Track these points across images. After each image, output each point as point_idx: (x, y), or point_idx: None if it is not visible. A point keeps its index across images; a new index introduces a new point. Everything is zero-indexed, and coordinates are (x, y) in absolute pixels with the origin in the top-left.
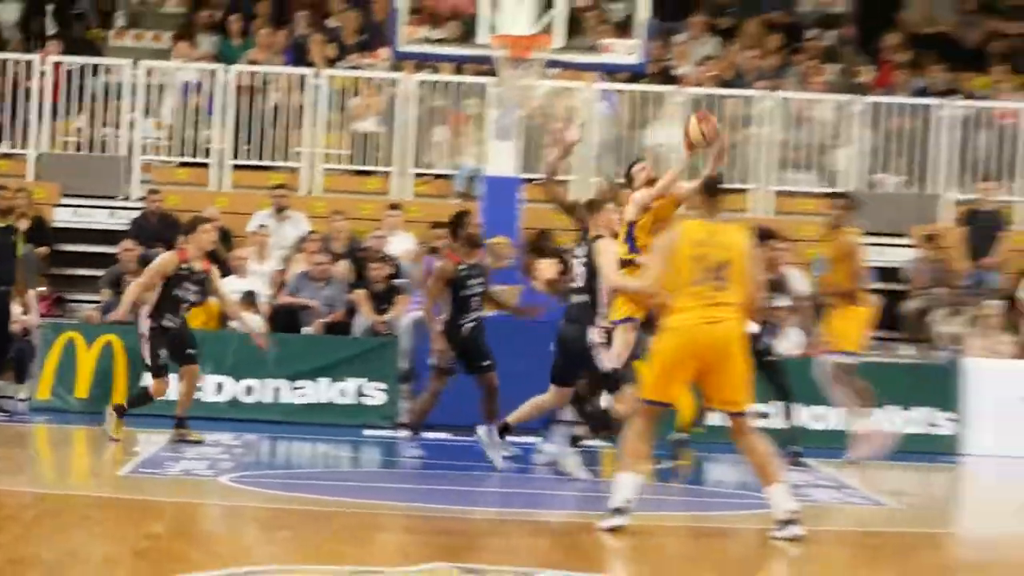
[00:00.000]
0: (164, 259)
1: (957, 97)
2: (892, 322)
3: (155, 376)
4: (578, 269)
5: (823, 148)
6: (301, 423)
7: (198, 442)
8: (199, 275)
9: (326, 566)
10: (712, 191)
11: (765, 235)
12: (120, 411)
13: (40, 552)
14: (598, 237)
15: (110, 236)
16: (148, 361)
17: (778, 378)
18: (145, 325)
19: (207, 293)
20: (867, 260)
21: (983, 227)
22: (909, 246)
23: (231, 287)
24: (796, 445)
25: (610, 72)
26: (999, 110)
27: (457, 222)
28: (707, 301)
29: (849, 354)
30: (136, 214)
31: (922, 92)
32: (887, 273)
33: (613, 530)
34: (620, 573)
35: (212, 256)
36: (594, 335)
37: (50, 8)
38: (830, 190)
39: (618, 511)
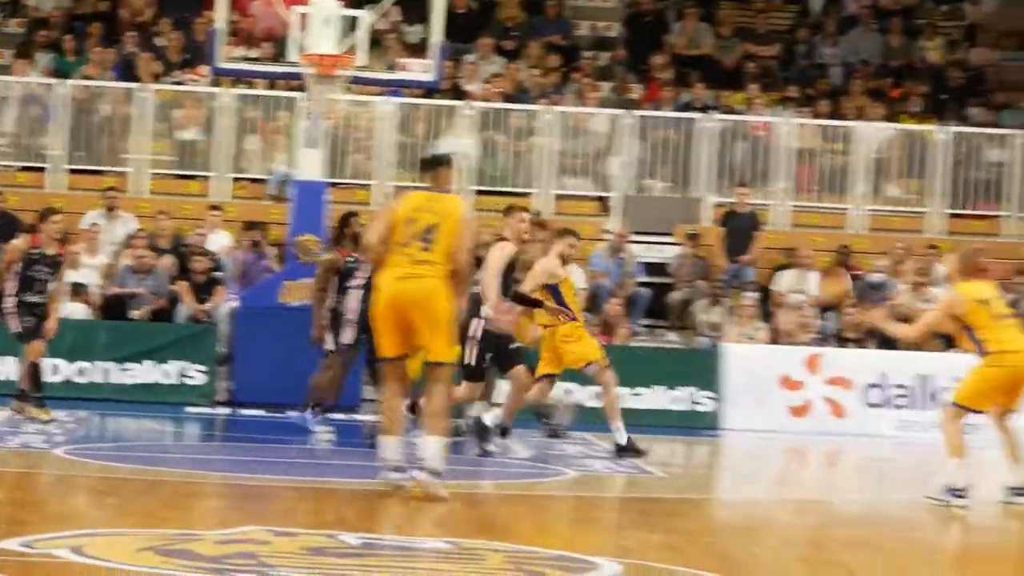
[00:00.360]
0: (16, 243)
1: (716, 112)
2: (659, 312)
3: (26, 343)
4: None
5: (597, 156)
6: (129, 401)
7: (46, 420)
8: (53, 258)
9: (151, 529)
10: (431, 165)
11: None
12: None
13: None
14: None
15: None
16: (15, 331)
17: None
18: (10, 302)
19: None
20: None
21: (740, 227)
22: (674, 244)
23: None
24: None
25: (406, 87)
26: (753, 123)
27: (343, 222)
28: (411, 259)
29: None
30: None
31: (685, 107)
32: (655, 268)
33: (396, 488)
34: (417, 533)
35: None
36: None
37: None
38: (603, 194)
39: (397, 469)
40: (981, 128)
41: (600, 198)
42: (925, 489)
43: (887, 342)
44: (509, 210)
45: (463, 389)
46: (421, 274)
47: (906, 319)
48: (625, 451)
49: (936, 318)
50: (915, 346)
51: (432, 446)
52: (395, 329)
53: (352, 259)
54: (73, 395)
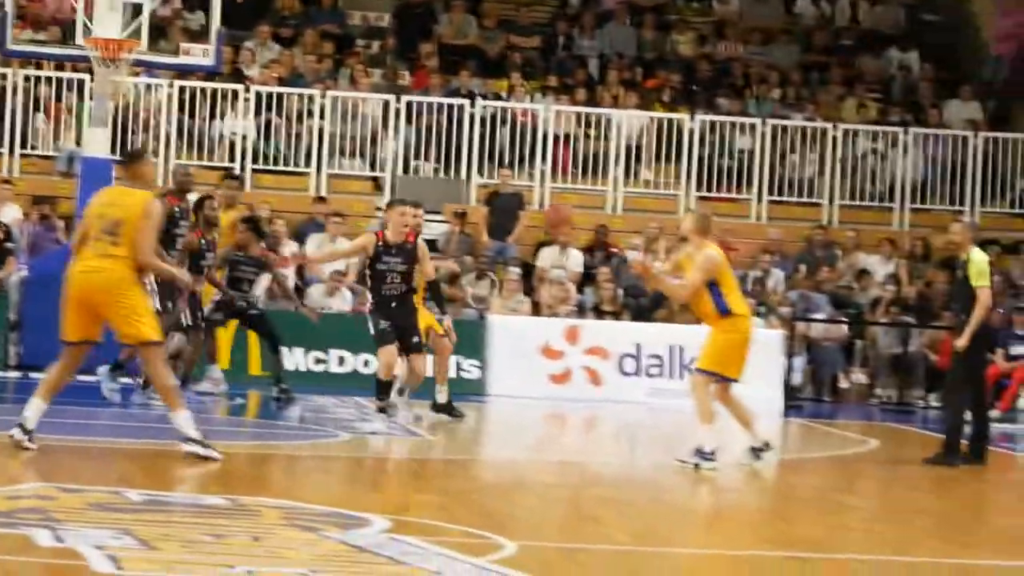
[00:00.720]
0: None
1: (482, 99)
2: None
3: None
4: None
5: (370, 139)
6: None
7: None
8: None
9: None
10: (127, 161)
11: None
12: None
13: None
14: None
15: None
16: None
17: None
18: None
19: None
20: None
21: (505, 207)
22: (443, 222)
23: None
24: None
25: (188, 71)
26: (516, 110)
27: (199, 205)
28: (98, 252)
29: None
30: None
31: (453, 93)
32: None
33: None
34: (197, 490)
35: None
36: None
37: None
38: (376, 174)
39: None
40: (728, 117)
41: (373, 178)
42: (675, 452)
43: (641, 314)
44: (390, 204)
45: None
46: (102, 267)
47: None
48: (443, 410)
49: (701, 277)
50: (668, 318)
51: (179, 419)
52: (83, 316)
53: (205, 241)
54: None
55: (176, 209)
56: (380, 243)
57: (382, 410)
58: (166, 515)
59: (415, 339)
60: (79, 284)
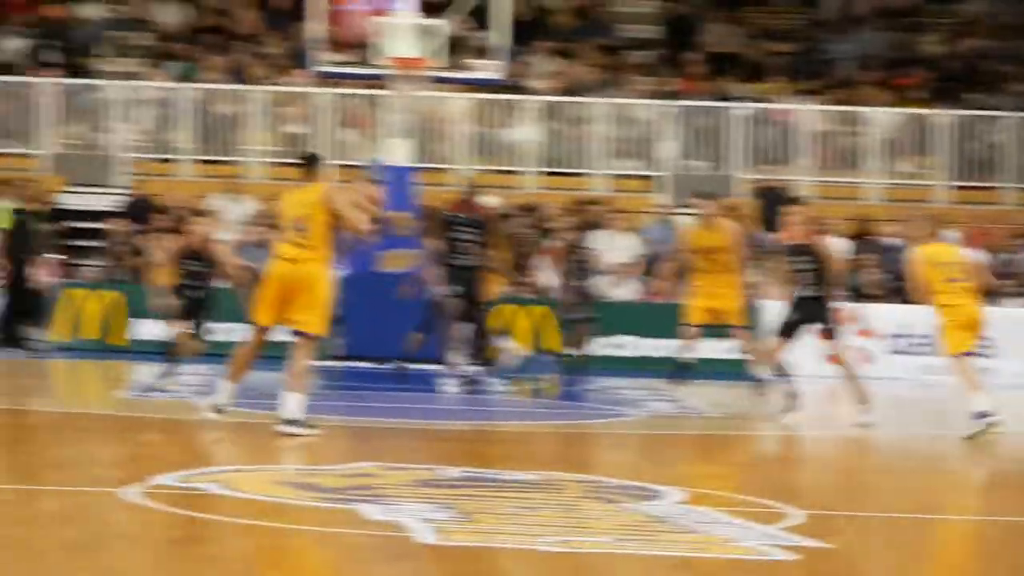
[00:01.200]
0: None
1: (746, 101)
2: None
3: None
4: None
5: (644, 141)
6: (258, 357)
7: None
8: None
9: (283, 466)
10: (302, 165)
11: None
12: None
13: (64, 455)
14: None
15: (103, 216)
16: None
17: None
18: None
19: None
20: None
21: (774, 200)
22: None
23: None
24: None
25: (478, 84)
26: (777, 110)
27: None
28: (292, 244)
29: None
30: (123, 199)
31: (719, 97)
32: None
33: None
34: (506, 467)
35: None
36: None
37: (50, 41)
38: (652, 173)
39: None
40: (979, 111)
41: (648, 177)
42: (948, 425)
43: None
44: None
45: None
46: (297, 257)
47: None
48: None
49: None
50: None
51: (289, 399)
52: (272, 302)
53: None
54: (212, 352)
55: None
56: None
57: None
58: (481, 490)
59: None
60: (278, 272)
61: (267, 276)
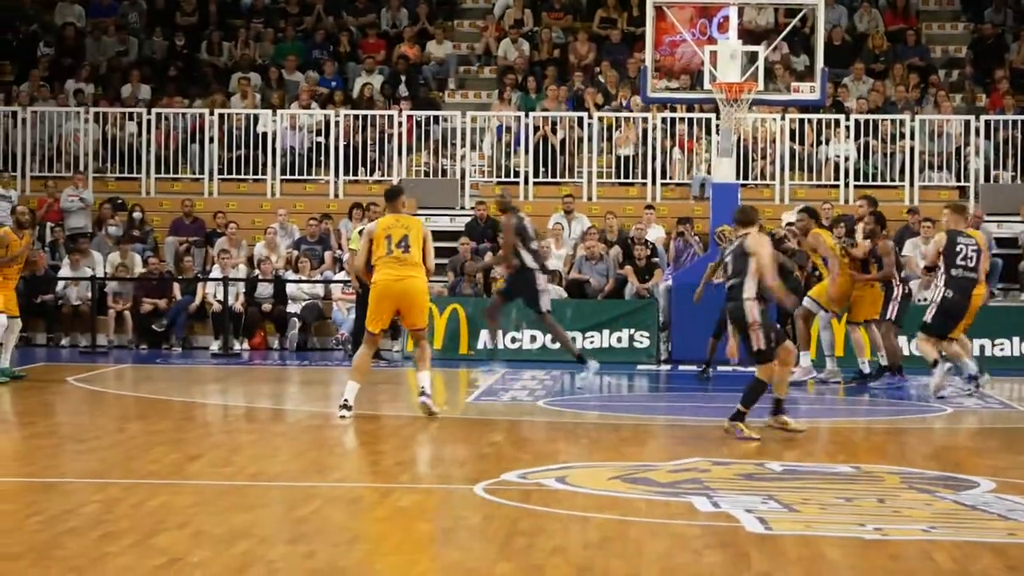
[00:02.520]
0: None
1: None
2: (1012, 276)
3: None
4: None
5: (955, 154)
6: None
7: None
8: None
9: (616, 462)
10: (389, 199)
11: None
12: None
13: (416, 456)
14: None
15: (450, 235)
16: None
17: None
18: None
19: None
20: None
21: None
22: (1021, 222)
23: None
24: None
25: (796, 105)
26: None
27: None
28: (396, 261)
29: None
30: (468, 219)
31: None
32: (1006, 241)
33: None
34: (827, 460)
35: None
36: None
37: (402, 77)
38: (961, 184)
39: (345, 406)
40: None
41: (959, 188)
42: None
43: None
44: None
45: (763, 371)
46: (405, 275)
47: None
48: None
49: None
50: None
51: (423, 378)
52: (385, 312)
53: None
54: (548, 359)
55: None
56: None
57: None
58: (803, 482)
59: None
60: (391, 289)
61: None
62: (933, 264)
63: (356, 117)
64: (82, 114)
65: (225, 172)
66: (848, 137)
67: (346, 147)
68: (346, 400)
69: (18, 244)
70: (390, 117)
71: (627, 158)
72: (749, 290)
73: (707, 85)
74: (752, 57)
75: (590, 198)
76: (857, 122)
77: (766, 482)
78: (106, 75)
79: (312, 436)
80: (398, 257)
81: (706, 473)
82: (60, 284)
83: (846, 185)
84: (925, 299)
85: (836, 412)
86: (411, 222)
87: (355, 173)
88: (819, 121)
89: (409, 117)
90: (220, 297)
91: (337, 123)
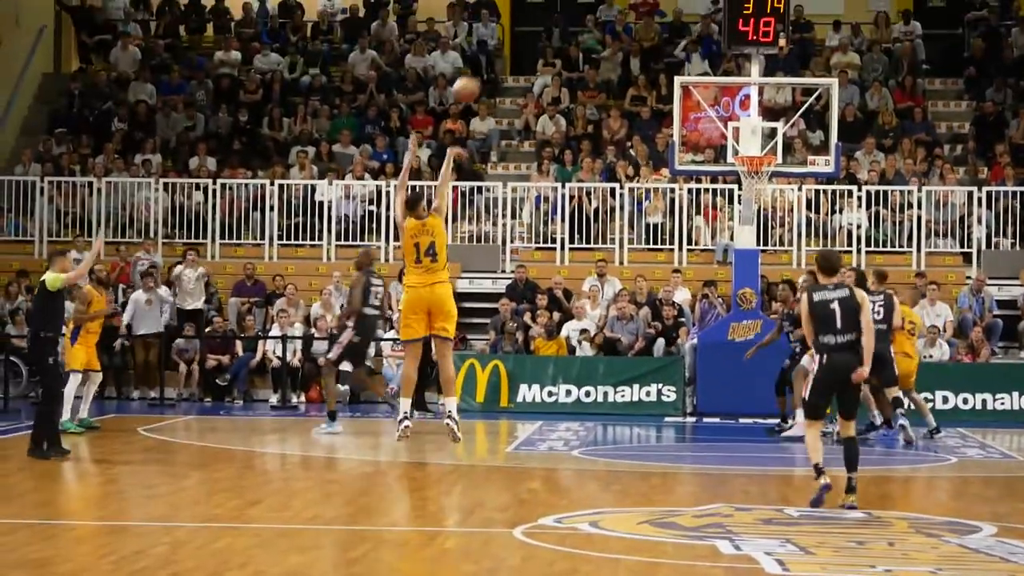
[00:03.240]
0: None
1: None
2: (1012, 336)
3: None
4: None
5: (959, 222)
6: (622, 415)
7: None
8: None
9: (645, 508)
10: (411, 205)
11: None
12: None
13: (459, 502)
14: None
15: (492, 297)
16: None
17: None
18: None
19: None
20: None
21: None
22: (1020, 285)
23: (574, 327)
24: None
25: (812, 177)
26: None
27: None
28: (425, 270)
29: None
30: (508, 282)
31: (1023, 183)
32: (1006, 303)
33: (403, 432)
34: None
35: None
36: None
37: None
38: (965, 250)
39: (405, 419)
40: None
41: (963, 254)
42: None
43: None
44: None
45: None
46: (435, 280)
47: None
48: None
49: None
50: None
51: (449, 402)
52: (420, 318)
53: None
54: (582, 411)
55: None
56: None
57: None
58: (818, 527)
59: None
60: (422, 295)
61: (406, 294)
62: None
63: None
64: (152, 184)
65: (284, 238)
66: (860, 206)
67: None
68: (404, 414)
69: (100, 302)
70: (432, 187)
71: (656, 225)
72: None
73: (730, 158)
74: (772, 133)
75: (621, 262)
76: (868, 192)
77: (784, 526)
78: (175, 148)
79: (363, 483)
80: (427, 266)
81: (729, 518)
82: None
83: (858, 251)
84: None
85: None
86: (434, 225)
87: None
88: (833, 192)
89: (455, 187)
90: (279, 353)
91: (388, 193)
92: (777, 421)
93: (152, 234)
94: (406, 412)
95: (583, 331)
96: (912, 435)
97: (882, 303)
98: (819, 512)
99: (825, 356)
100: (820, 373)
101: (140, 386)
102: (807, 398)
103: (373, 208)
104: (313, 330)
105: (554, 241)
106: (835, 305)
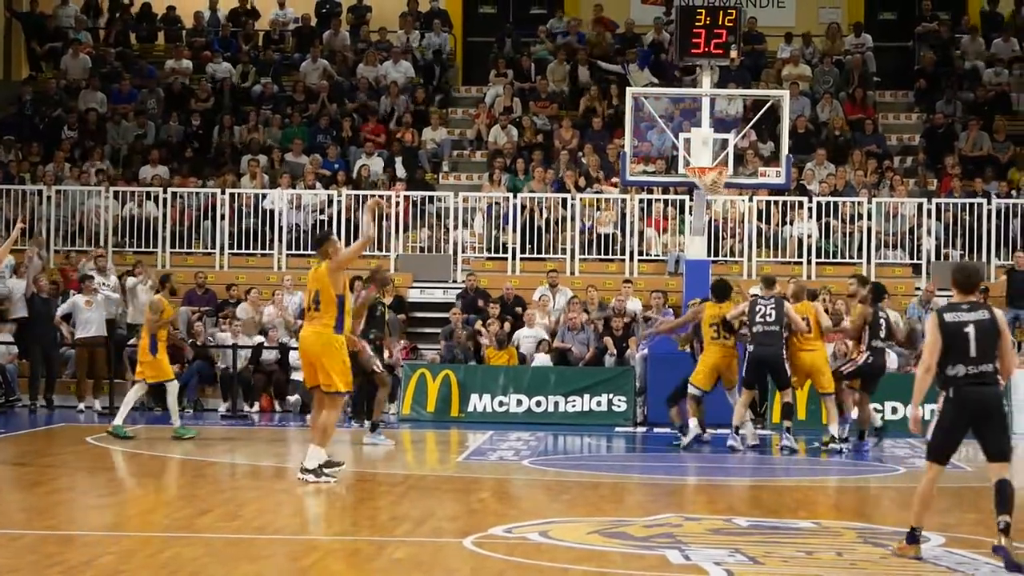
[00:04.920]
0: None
1: (996, 196)
2: None
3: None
4: (768, 311)
5: (908, 234)
6: (574, 424)
7: None
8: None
9: (595, 518)
10: (317, 246)
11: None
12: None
13: (409, 511)
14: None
15: (443, 307)
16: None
17: None
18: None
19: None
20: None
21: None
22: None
23: (526, 335)
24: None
25: (763, 188)
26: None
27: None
28: (309, 319)
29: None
30: (459, 291)
31: (972, 194)
32: None
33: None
34: (787, 516)
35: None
36: None
37: (399, 160)
38: (914, 262)
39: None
40: None
41: (912, 265)
42: None
43: None
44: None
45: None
46: (312, 331)
47: None
48: None
49: None
50: None
51: (313, 451)
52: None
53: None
54: (533, 421)
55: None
56: None
57: None
58: (767, 536)
59: None
60: (303, 346)
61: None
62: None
63: (356, 197)
64: (103, 192)
65: (235, 247)
66: (811, 217)
67: (347, 224)
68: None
69: (171, 310)
70: (388, 197)
71: (607, 236)
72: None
73: (681, 169)
74: (723, 144)
75: (573, 272)
76: (819, 204)
77: (733, 536)
78: (127, 156)
79: (313, 492)
80: (311, 315)
81: (678, 528)
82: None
83: (808, 262)
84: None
85: (798, 471)
86: (320, 275)
87: None
88: (784, 203)
89: (406, 197)
90: (229, 363)
91: (339, 202)
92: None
93: (102, 243)
94: (322, 462)
95: (541, 341)
96: (795, 447)
97: (773, 306)
98: (768, 522)
99: (953, 390)
100: (947, 409)
101: (86, 395)
102: (931, 438)
103: (324, 217)
104: (263, 339)
105: (505, 251)
106: (970, 329)
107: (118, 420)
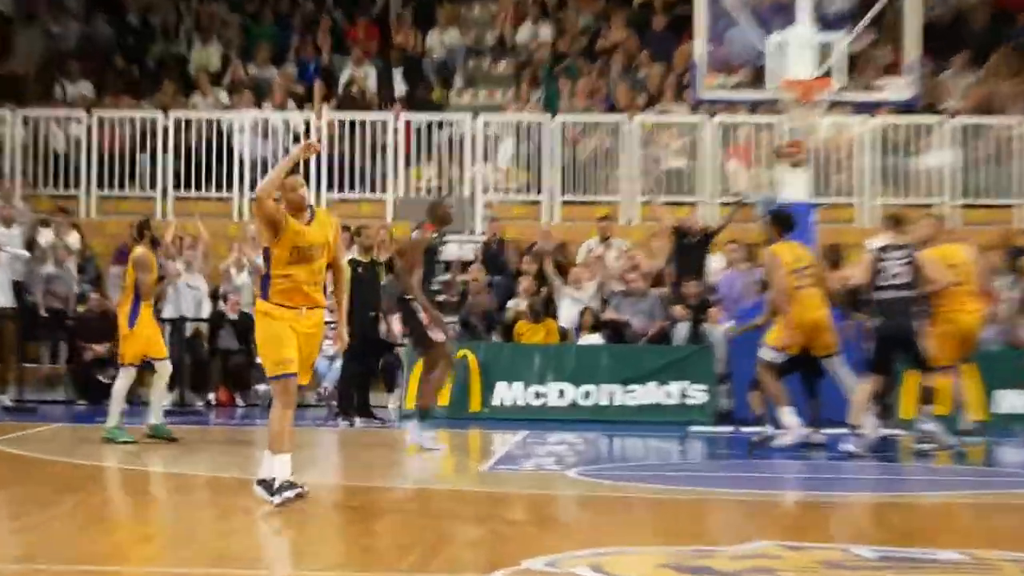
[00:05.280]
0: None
1: None
2: None
3: None
4: (897, 269)
5: None
6: (634, 422)
7: None
8: None
9: (665, 546)
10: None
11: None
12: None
13: (418, 537)
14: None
15: (459, 266)
16: None
17: None
18: None
19: None
20: None
21: None
22: None
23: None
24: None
25: (885, 107)
26: None
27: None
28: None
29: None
30: (480, 245)
31: None
32: None
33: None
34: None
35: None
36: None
37: (398, 72)
38: None
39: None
40: None
41: None
42: None
43: None
44: None
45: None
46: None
47: None
48: None
49: None
50: None
51: (267, 460)
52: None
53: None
54: (580, 418)
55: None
56: None
57: None
58: (900, 572)
59: None
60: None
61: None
62: None
63: (342, 122)
64: (8, 117)
65: (182, 188)
66: (950, 144)
67: (330, 158)
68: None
69: (155, 265)
70: (384, 122)
71: (675, 171)
72: None
73: (773, 82)
74: (829, 47)
75: (630, 220)
76: (960, 126)
77: (855, 572)
78: (39, 70)
79: (289, 511)
80: None
81: (778, 560)
82: None
83: (946, 203)
84: None
85: (935, 484)
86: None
87: (341, 190)
88: (914, 126)
89: (407, 122)
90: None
91: (319, 128)
92: (807, 430)
93: (6, 182)
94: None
95: (585, 310)
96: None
97: (902, 260)
98: (900, 551)
99: None
100: None
101: None
102: None
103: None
104: (222, 307)
105: (540, 191)
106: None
107: (111, 422)
